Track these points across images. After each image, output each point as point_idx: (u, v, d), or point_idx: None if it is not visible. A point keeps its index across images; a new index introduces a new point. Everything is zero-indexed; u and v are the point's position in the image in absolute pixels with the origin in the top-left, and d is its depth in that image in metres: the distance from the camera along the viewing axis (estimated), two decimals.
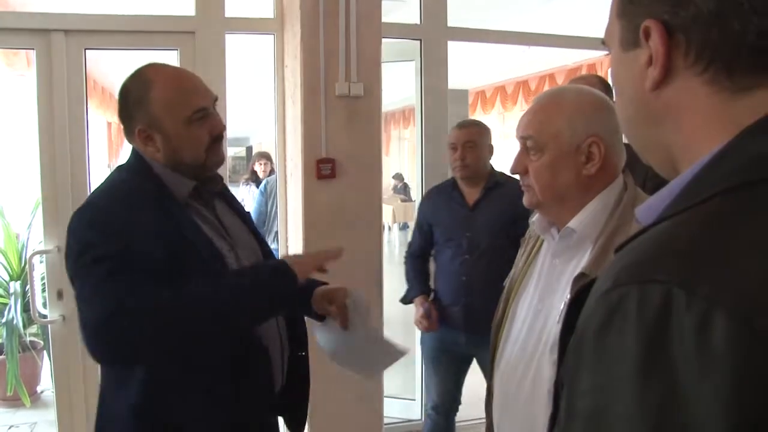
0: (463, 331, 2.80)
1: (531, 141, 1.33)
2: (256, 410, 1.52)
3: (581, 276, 1.25)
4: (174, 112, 1.45)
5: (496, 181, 2.84)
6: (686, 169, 0.59)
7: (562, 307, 1.29)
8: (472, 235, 2.78)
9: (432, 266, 3.06)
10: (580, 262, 1.31)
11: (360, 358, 1.74)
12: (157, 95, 1.45)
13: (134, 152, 1.53)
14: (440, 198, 2.94)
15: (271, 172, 6.01)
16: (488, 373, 2.66)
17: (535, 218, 1.46)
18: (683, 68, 0.58)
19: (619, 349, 0.48)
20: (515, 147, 1.39)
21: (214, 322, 1.36)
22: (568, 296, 1.27)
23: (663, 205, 0.58)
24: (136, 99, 1.47)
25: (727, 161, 0.54)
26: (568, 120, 1.30)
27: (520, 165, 1.37)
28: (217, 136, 1.52)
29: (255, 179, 5.89)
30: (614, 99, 0.74)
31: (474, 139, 2.82)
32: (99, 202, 1.46)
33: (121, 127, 1.54)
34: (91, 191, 1.52)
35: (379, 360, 1.74)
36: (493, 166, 2.94)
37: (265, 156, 5.94)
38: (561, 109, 1.32)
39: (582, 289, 0.61)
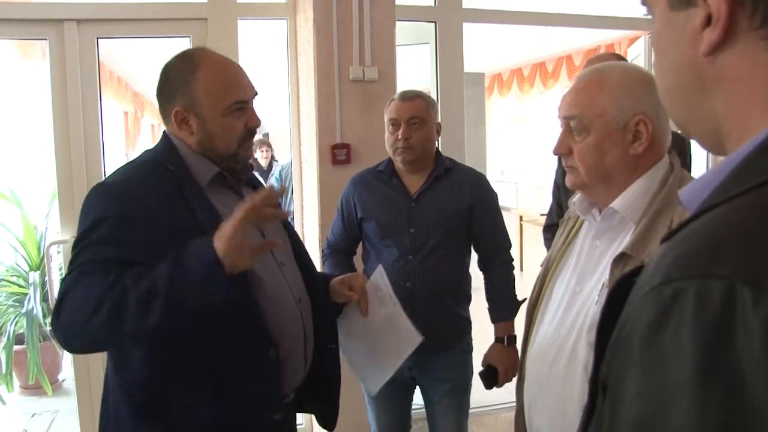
0: None
1: (575, 121, 1.29)
2: (256, 407, 1.43)
3: (622, 256, 1.22)
4: (215, 100, 1.45)
5: (446, 167, 2.32)
6: (735, 146, 0.53)
7: (600, 288, 1.27)
8: (417, 231, 2.25)
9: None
10: (621, 244, 1.27)
11: (379, 348, 1.72)
12: (202, 80, 1.45)
13: (164, 136, 1.53)
14: (375, 186, 2.38)
15: (272, 158, 6.20)
16: (430, 403, 2.41)
17: (575, 199, 1.43)
18: (746, 31, 0.52)
19: (674, 351, 0.43)
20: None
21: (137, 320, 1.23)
22: (607, 276, 1.24)
23: (710, 188, 0.53)
24: (179, 80, 1.46)
25: None
26: (614, 98, 1.26)
27: (563, 146, 1.33)
28: (251, 130, 1.52)
29: (258, 167, 6.02)
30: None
31: (421, 115, 2.25)
32: (115, 180, 1.43)
33: (157, 105, 1.53)
34: (115, 170, 1.50)
35: (397, 348, 1.71)
36: (439, 149, 2.42)
37: (266, 143, 6.21)
38: (605, 87, 1.28)
39: (623, 279, 0.56)
